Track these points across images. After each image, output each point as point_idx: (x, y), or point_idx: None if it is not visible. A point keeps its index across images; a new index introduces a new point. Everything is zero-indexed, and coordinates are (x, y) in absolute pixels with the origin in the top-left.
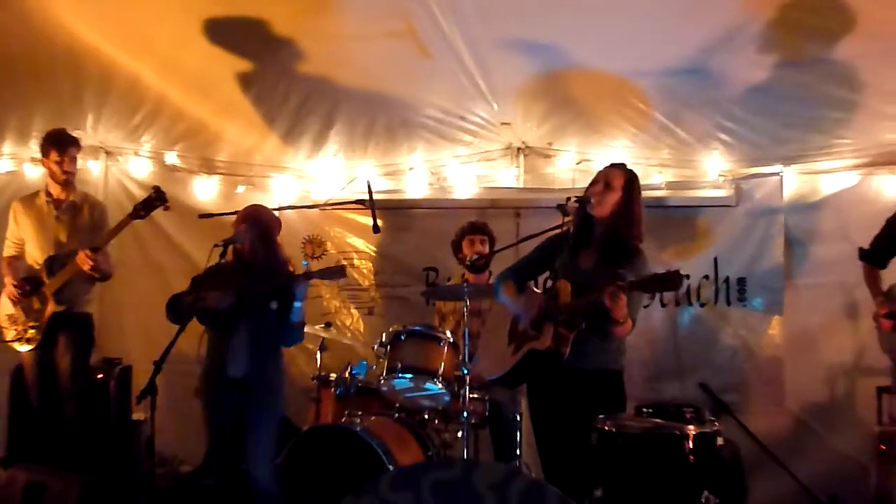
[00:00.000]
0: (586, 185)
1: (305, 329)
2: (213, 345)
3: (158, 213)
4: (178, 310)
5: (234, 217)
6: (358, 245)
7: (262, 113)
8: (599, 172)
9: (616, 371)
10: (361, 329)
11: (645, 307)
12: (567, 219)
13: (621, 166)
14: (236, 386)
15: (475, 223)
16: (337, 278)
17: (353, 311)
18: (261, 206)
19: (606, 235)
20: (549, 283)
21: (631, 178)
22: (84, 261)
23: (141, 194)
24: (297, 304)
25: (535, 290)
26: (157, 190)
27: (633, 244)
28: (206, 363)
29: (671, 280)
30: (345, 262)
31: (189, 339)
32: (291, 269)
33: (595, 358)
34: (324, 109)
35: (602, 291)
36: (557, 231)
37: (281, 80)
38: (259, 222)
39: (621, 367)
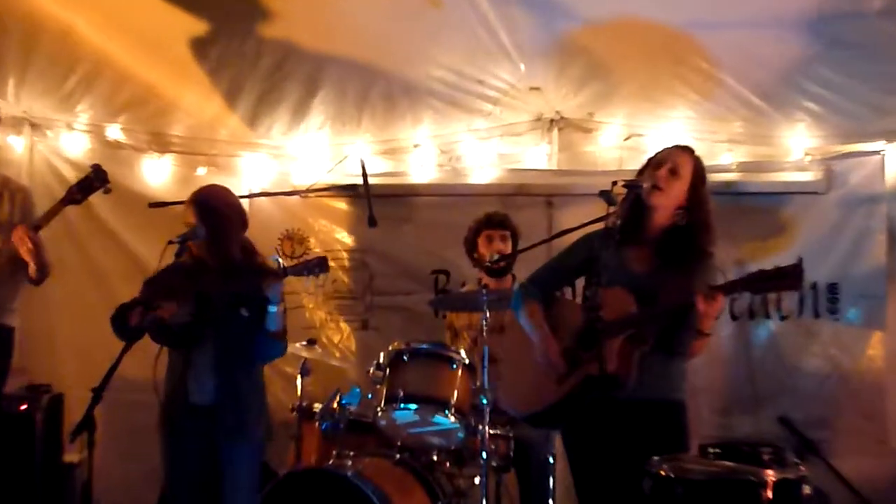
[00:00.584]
0: (637, 166)
1: None
2: (172, 366)
3: (99, 201)
4: (124, 322)
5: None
6: (349, 242)
7: (228, 76)
8: (662, 153)
9: (678, 402)
10: (353, 347)
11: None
12: (612, 209)
13: (689, 150)
14: (203, 416)
15: (493, 215)
16: (318, 274)
17: (343, 324)
18: (214, 186)
19: (668, 233)
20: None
21: (700, 167)
22: (22, 239)
23: (75, 177)
24: (272, 309)
25: (571, 299)
26: (96, 169)
27: (704, 246)
28: (167, 390)
29: (790, 276)
30: (333, 263)
31: (138, 360)
32: (262, 264)
33: (653, 385)
34: (305, 72)
35: (673, 297)
36: (598, 225)
37: (251, 34)
38: (212, 207)
39: (685, 397)
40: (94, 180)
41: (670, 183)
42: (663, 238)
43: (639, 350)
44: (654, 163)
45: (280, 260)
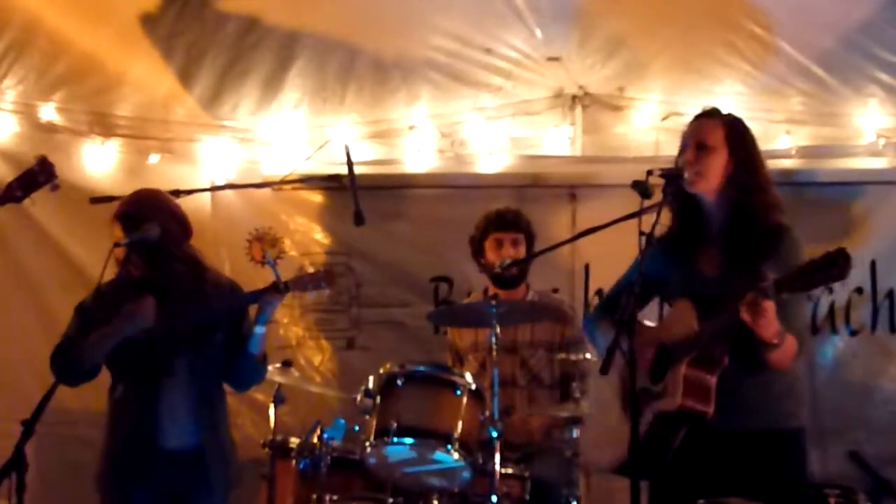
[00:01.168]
0: (676, 150)
1: None
2: (126, 400)
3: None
4: (78, 361)
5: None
6: (331, 243)
7: (184, 45)
8: (686, 130)
9: (793, 430)
10: (337, 370)
11: None
12: (648, 202)
13: (714, 113)
14: (174, 463)
15: (503, 214)
16: (323, 289)
17: (325, 343)
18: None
19: (731, 221)
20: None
21: (733, 124)
22: None
23: (1, 168)
24: (259, 330)
25: (646, 322)
26: (41, 161)
27: (771, 220)
28: (115, 432)
29: (833, 264)
30: (311, 269)
31: (77, 388)
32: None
33: (753, 411)
34: (277, 39)
35: (735, 303)
36: (662, 226)
37: None
38: (167, 207)
39: (801, 424)
40: (39, 174)
41: (703, 161)
42: (728, 222)
43: (710, 374)
44: (682, 145)
45: (274, 262)
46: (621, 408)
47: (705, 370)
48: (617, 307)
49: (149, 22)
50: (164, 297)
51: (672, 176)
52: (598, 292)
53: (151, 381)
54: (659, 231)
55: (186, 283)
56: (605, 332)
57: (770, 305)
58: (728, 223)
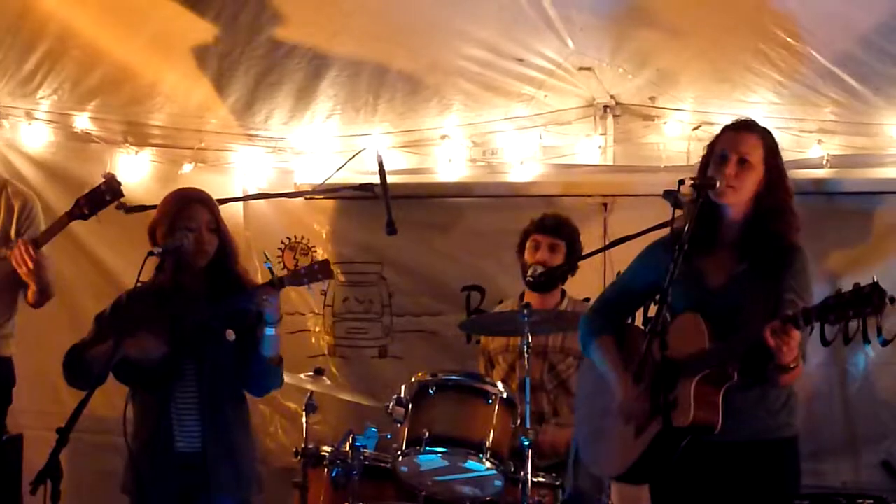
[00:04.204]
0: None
1: (286, 378)
2: (145, 407)
3: (64, 204)
4: (84, 369)
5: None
6: (364, 253)
7: (218, 54)
8: (723, 141)
9: (789, 439)
10: (368, 379)
11: None
12: (679, 212)
13: (754, 127)
14: (190, 466)
15: (546, 218)
16: (321, 280)
17: (357, 351)
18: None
19: (747, 234)
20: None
21: (771, 142)
22: (22, 258)
23: (36, 176)
24: (269, 331)
25: (643, 328)
26: (109, 179)
27: (789, 242)
28: (142, 436)
29: (866, 300)
30: (342, 278)
31: (110, 395)
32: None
33: (755, 422)
34: (311, 49)
35: (754, 324)
36: (664, 230)
37: (247, 3)
38: (209, 206)
39: (796, 432)
40: (106, 192)
41: (743, 176)
42: (744, 234)
43: (719, 388)
44: (718, 155)
45: (271, 266)
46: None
47: (715, 385)
48: (617, 312)
49: (182, 32)
50: (175, 301)
51: (704, 186)
52: None
53: (164, 384)
54: (666, 235)
55: (203, 290)
56: (603, 351)
57: (797, 334)
58: (744, 237)
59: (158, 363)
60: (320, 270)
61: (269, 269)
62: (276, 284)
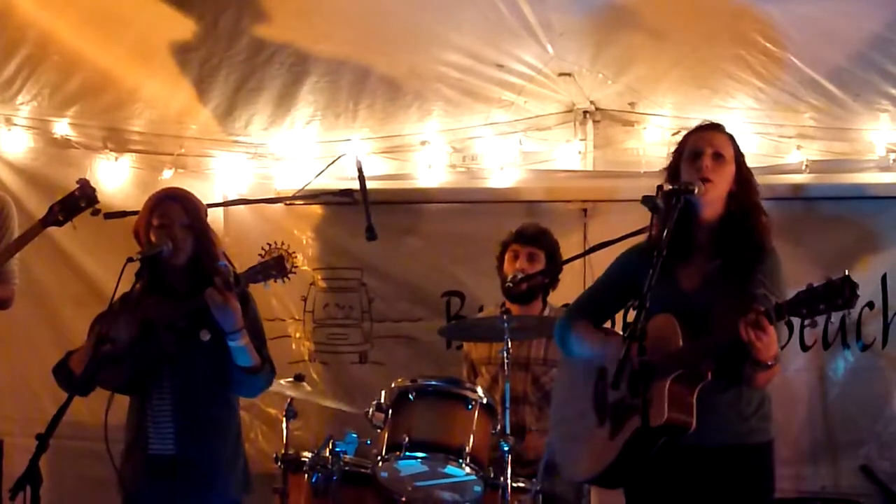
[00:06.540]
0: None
1: None
2: (129, 411)
3: (42, 209)
4: (67, 369)
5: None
6: (344, 258)
7: (198, 60)
8: (693, 140)
9: (764, 444)
10: (348, 385)
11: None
12: (656, 218)
13: (721, 128)
14: (165, 469)
15: (525, 228)
16: (276, 278)
17: (337, 357)
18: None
19: (720, 233)
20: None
21: (736, 143)
22: None
23: (16, 182)
24: (230, 342)
25: (617, 332)
26: (84, 184)
27: (762, 239)
28: (126, 439)
29: (838, 293)
30: (323, 284)
31: (92, 400)
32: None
33: (727, 426)
34: (291, 55)
35: (728, 322)
36: (641, 237)
37: (227, 9)
38: (184, 204)
39: (771, 437)
40: (81, 198)
41: (719, 170)
42: (716, 234)
43: (694, 389)
44: (690, 153)
45: (226, 264)
46: (596, 417)
47: (689, 385)
48: (592, 315)
49: (162, 37)
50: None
51: (683, 191)
52: None
53: (143, 387)
54: (642, 241)
55: (186, 288)
56: (583, 333)
57: (771, 329)
58: (717, 236)
59: (127, 348)
60: (275, 267)
61: (225, 266)
62: (229, 284)
